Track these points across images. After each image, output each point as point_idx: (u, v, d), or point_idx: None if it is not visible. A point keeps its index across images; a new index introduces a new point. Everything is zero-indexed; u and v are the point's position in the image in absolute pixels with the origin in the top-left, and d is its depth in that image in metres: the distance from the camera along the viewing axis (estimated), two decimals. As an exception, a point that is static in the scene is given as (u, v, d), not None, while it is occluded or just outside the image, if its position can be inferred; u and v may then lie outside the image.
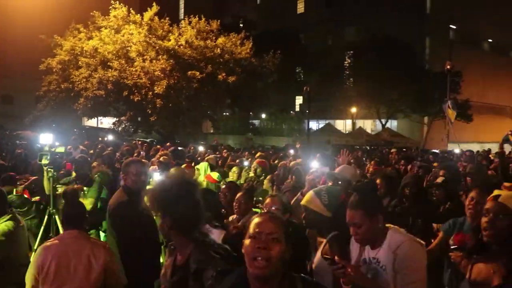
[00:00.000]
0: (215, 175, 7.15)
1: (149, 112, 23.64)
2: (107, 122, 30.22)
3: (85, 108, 24.50)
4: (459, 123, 36.25)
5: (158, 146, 14.39)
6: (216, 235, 3.49)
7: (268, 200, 3.87)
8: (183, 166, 7.77)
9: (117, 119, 26.68)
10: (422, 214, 4.90)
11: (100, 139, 21.42)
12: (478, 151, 16.97)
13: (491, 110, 42.86)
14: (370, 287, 2.63)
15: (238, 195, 4.47)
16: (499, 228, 2.40)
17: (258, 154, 11.26)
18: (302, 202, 3.16)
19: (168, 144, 16.86)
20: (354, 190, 4.99)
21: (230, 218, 4.60)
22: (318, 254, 3.03)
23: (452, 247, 3.77)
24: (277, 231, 2.04)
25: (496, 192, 2.59)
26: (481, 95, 40.80)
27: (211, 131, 40.47)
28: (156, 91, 22.92)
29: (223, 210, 4.66)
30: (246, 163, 8.84)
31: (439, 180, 5.25)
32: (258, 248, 1.98)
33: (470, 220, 3.89)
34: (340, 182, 4.24)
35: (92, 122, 36.47)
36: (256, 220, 2.10)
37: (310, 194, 3.14)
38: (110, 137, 22.51)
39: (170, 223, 2.56)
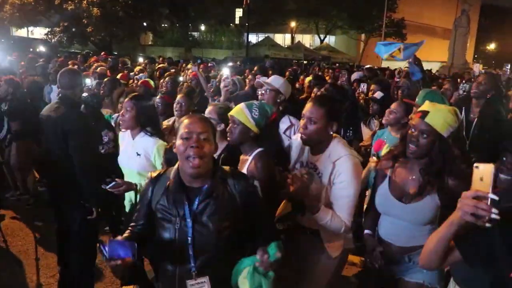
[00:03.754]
0: (151, 82, 7.13)
1: (85, 22, 22.46)
2: (38, 32, 28.27)
3: (12, 17, 22.86)
4: (394, 41, 37.31)
5: (94, 58, 14.00)
6: (151, 143, 3.56)
7: (209, 108, 3.77)
8: (119, 75, 7.68)
9: (50, 30, 25.21)
10: (354, 125, 5.39)
11: (31, 50, 20.37)
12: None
13: (424, 30, 43.98)
14: (307, 199, 2.62)
15: (179, 96, 4.48)
16: (421, 145, 2.52)
17: (189, 66, 11.24)
18: (231, 112, 2.97)
19: (103, 54, 16.42)
20: (327, 91, 5.18)
21: (165, 122, 4.63)
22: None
23: (372, 154, 4.26)
24: (207, 131, 2.10)
25: (426, 105, 2.64)
26: (416, 15, 41.72)
27: (150, 42, 39.23)
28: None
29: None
30: (181, 78, 8.57)
31: (377, 95, 5.49)
32: (191, 147, 2.04)
33: (389, 129, 4.29)
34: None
35: (22, 33, 34.15)
36: (186, 121, 2.13)
37: (240, 105, 2.95)
38: (42, 49, 21.43)
39: None
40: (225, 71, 6.50)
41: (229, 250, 2.11)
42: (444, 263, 1.89)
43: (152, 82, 7.04)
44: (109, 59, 12.74)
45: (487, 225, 1.58)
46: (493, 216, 1.55)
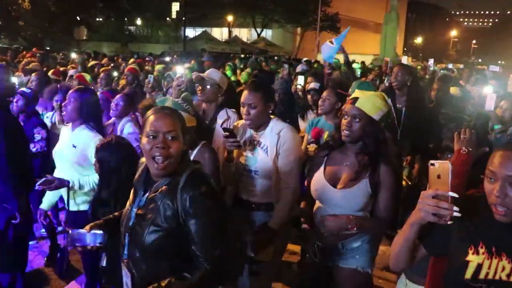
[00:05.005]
0: (87, 76, 6.94)
1: (14, 15, 21.27)
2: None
3: None
4: (328, 34, 38.36)
5: (24, 52, 13.34)
6: (90, 137, 3.51)
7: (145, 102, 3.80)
8: (50, 72, 7.30)
9: (-27, 23, 23.65)
10: (291, 118, 5.43)
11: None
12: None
13: (357, 24, 45.34)
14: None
15: (117, 97, 4.43)
16: (354, 129, 2.67)
17: (131, 61, 11.08)
18: None
19: (35, 49, 15.69)
20: (256, 77, 5.45)
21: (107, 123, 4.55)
22: None
23: (309, 141, 4.32)
24: (174, 129, 2.00)
25: (356, 93, 2.79)
26: (349, 9, 42.92)
27: (85, 37, 37.88)
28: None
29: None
30: (115, 73, 8.40)
31: (314, 85, 5.54)
32: (157, 147, 1.96)
33: (325, 118, 4.38)
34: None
35: None
36: (152, 117, 2.03)
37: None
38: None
39: None
40: (179, 70, 6.39)
41: (162, 255, 2.02)
42: (413, 262, 1.87)
43: (88, 77, 6.83)
44: (38, 54, 12.22)
45: (449, 222, 1.57)
46: (455, 214, 1.55)
